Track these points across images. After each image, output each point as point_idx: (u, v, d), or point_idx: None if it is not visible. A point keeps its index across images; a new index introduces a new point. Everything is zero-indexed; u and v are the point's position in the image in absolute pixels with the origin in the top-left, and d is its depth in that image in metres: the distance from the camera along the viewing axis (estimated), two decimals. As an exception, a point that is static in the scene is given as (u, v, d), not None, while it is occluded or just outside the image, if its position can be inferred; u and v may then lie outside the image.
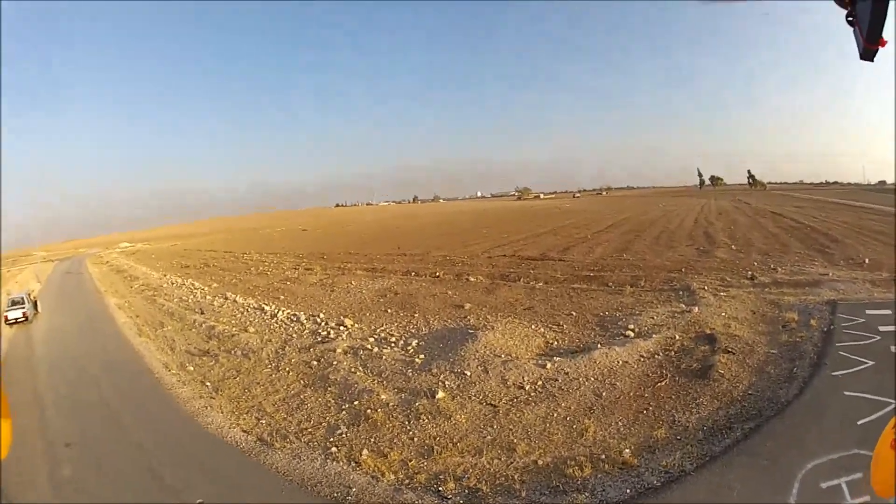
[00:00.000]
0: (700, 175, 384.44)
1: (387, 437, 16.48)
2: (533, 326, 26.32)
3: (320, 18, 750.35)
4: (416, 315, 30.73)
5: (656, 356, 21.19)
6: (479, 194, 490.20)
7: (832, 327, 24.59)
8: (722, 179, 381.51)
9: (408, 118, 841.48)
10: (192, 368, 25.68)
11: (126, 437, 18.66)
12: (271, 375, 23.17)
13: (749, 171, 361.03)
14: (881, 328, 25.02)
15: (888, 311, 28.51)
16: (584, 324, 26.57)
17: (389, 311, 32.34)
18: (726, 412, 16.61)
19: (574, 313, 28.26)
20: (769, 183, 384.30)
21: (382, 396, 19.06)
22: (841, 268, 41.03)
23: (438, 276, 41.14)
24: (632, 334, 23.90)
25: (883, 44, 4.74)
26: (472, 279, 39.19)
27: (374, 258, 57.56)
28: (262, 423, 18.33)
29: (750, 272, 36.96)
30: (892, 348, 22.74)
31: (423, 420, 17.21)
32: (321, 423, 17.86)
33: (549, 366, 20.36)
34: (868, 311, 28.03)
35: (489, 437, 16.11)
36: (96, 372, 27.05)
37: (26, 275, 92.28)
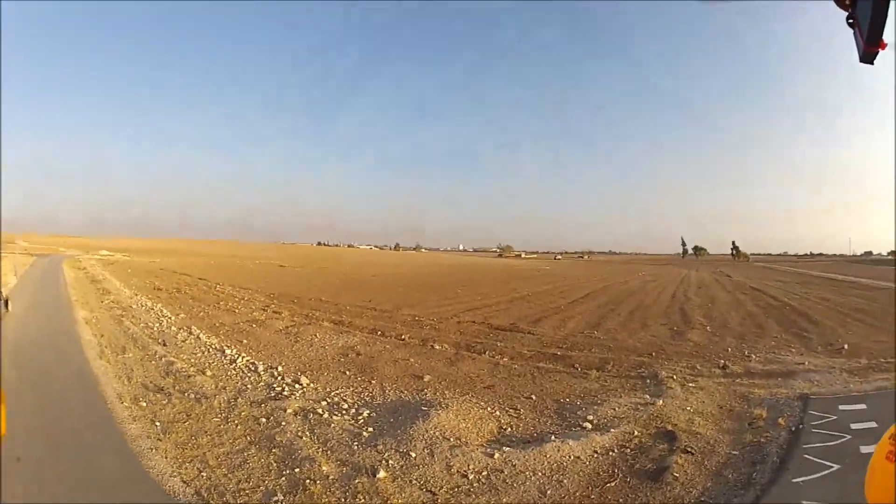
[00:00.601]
0: (684, 244, 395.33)
1: (322, 514, 16.41)
2: (489, 408, 25.71)
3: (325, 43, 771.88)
4: (374, 381, 30.09)
5: (611, 453, 20.73)
6: (461, 247, 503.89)
7: (801, 426, 24.42)
8: (705, 250, 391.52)
9: (395, 166, 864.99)
10: (144, 404, 25.00)
11: (63, 469, 17.93)
12: (220, 426, 22.54)
13: (733, 243, 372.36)
14: (853, 426, 24.85)
15: (862, 406, 28.44)
16: (543, 410, 26.11)
17: (348, 373, 31.69)
18: (674, 521, 16.42)
19: (534, 397, 27.84)
20: (752, 254, 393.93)
21: (324, 468, 18.51)
22: (818, 355, 41.01)
23: (404, 340, 40.63)
24: (589, 426, 23.45)
25: (883, 46, 4.84)
26: (438, 347, 38.68)
27: (344, 309, 57.00)
28: (202, 476, 17.81)
29: (722, 361, 36.76)
30: (862, 449, 22.46)
31: (360, 499, 16.73)
32: (259, 487, 17.31)
33: (496, 455, 19.88)
34: (841, 407, 27.92)
35: (421, 527, 15.89)
36: (51, 393, 26.32)
37: (5, 265, 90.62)
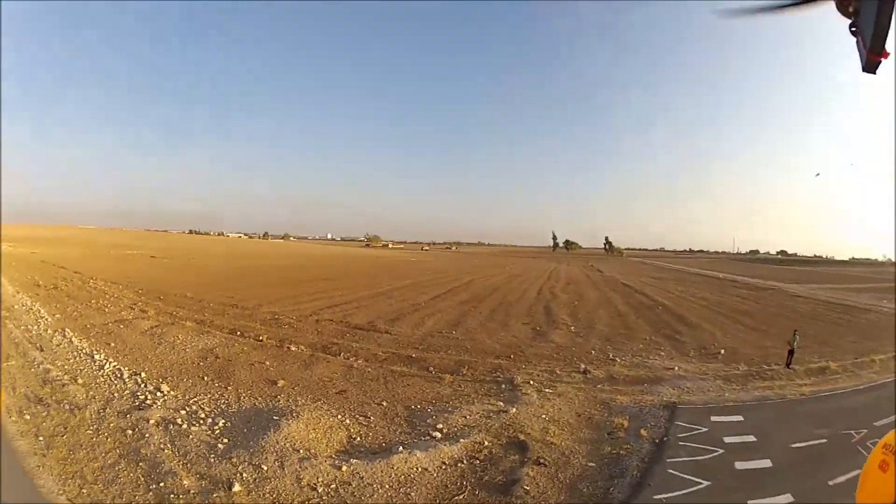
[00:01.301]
0: (555, 238, 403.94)
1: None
2: (339, 416, 25.62)
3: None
4: (230, 388, 29.60)
5: (459, 464, 20.77)
6: (329, 236, 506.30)
7: (666, 438, 24.72)
8: (577, 244, 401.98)
9: (267, 154, 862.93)
10: (28, 417, 24.08)
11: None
12: (93, 438, 21.99)
13: (606, 238, 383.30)
14: (727, 439, 25.32)
15: (738, 418, 29.05)
16: (393, 417, 26.07)
17: (206, 378, 31.12)
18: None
19: (385, 403, 27.81)
20: (627, 249, 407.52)
21: (185, 482, 18.52)
22: (691, 359, 42.20)
23: (262, 341, 40.09)
24: (439, 435, 23.51)
25: (886, 55, 5.07)
26: (294, 348, 38.30)
27: (207, 307, 55.78)
28: (83, 493, 17.62)
29: (583, 365, 37.08)
30: (737, 465, 22.87)
31: None
32: (132, 502, 17.24)
33: (344, 468, 19.82)
34: (714, 418, 28.43)
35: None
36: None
37: None
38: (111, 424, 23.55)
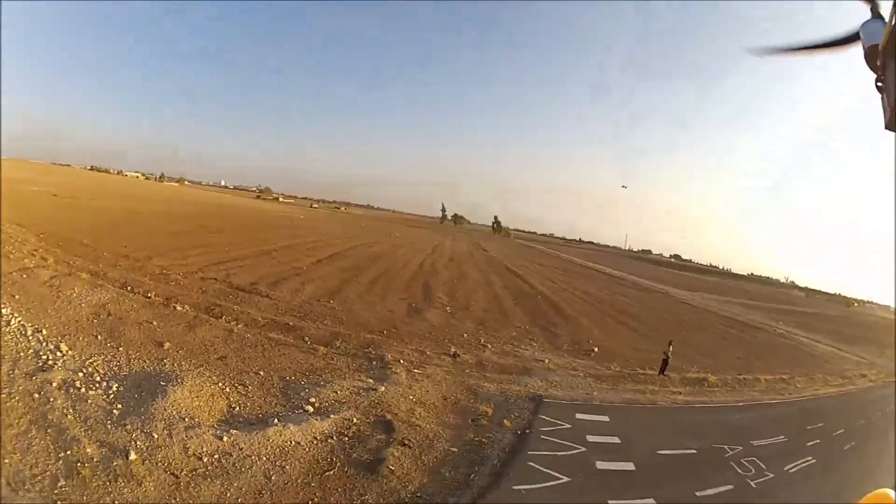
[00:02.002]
0: (444, 210, 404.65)
1: (94, 499, 17.16)
2: (220, 384, 26.63)
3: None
4: (121, 349, 30.08)
5: (330, 440, 22.27)
6: (222, 183, 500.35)
7: (528, 431, 25.98)
8: (465, 219, 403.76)
9: (168, 96, 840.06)
10: None
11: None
12: (7, 403, 22.27)
13: (496, 217, 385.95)
14: (591, 438, 26.67)
15: (604, 418, 30.54)
16: (269, 388, 27.21)
17: (99, 337, 31.36)
18: (389, 515, 17.97)
19: (262, 372, 28.86)
20: (515, 230, 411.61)
21: (88, 450, 19.38)
22: (562, 353, 43.74)
23: (150, 298, 40.33)
24: (311, 409, 24.88)
25: None
26: (180, 308, 38.82)
27: (101, 257, 54.68)
28: (6, 464, 18.14)
29: (454, 348, 38.46)
30: (599, 465, 24.08)
31: (121, 483, 17.94)
32: (46, 472, 18.01)
33: (225, 438, 21.22)
34: (579, 416, 29.81)
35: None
36: None
37: None
38: (20, 387, 24.01)
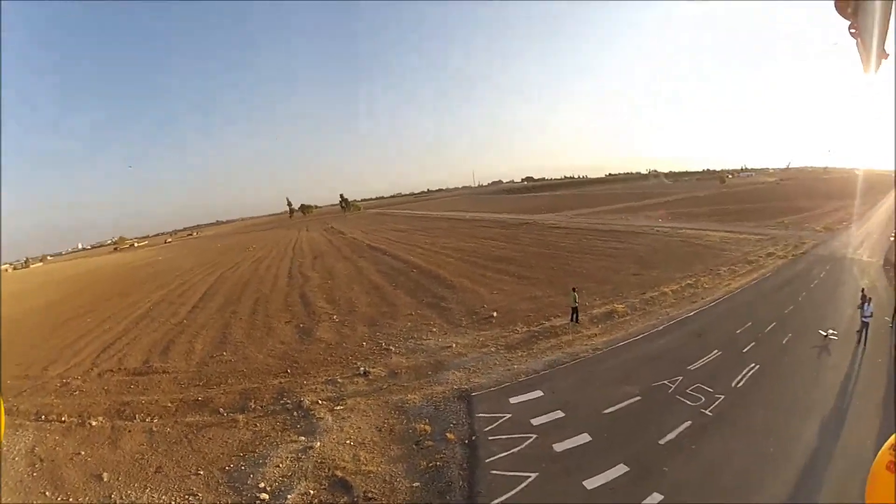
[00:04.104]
0: (290, 204, 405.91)
1: None
2: (172, 503, 25.08)
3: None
4: (71, 500, 27.81)
5: None
6: (80, 246, 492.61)
7: (474, 437, 25.80)
8: (312, 207, 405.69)
9: None
10: None
11: None
12: None
13: (341, 195, 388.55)
14: (535, 421, 26.76)
15: (538, 393, 30.49)
16: (216, 487, 25.78)
17: (46, 493, 28.74)
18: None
19: (201, 471, 27.48)
20: (364, 200, 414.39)
21: None
22: (464, 330, 43.82)
23: (64, 422, 37.73)
24: (266, 496, 23.73)
25: (885, 56, 5.74)
26: (95, 423, 36.48)
27: (5, 383, 49.83)
28: None
29: (361, 365, 37.77)
30: (556, 447, 24.14)
31: None
32: None
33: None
34: (513, 400, 29.77)
35: None
36: None
37: None
38: None
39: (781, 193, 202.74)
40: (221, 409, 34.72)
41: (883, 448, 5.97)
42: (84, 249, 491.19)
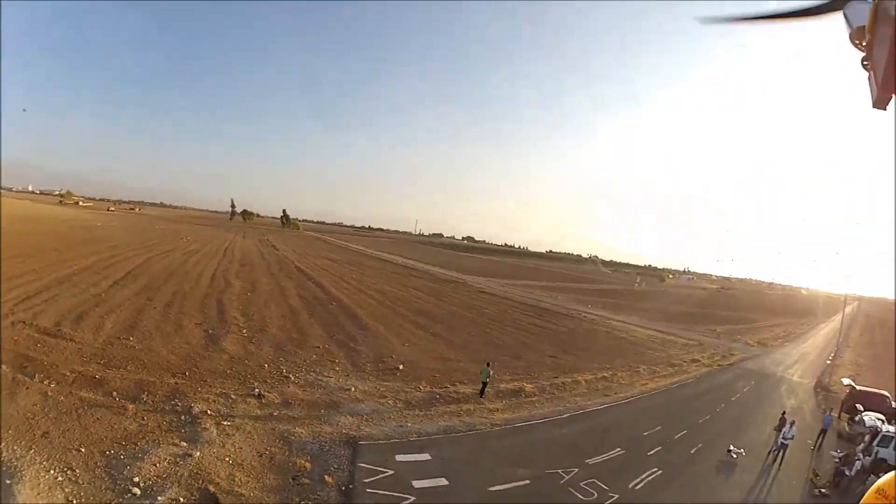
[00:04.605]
0: (233, 206, 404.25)
1: None
2: (52, 471, 24.74)
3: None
4: None
5: None
6: (30, 188, 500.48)
7: (352, 485, 25.53)
8: (254, 214, 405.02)
9: None
10: None
11: None
12: None
13: (284, 211, 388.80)
14: (417, 484, 26.42)
15: (425, 456, 30.27)
16: (94, 468, 25.36)
17: None
18: None
19: (83, 449, 26.95)
20: (304, 221, 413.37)
21: None
22: (367, 375, 43.72)
23: None
24: (138, 491, 23.52)
25: None
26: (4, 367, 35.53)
27: None
28: None
29: (258, 386, 37.41)
30: None
31: None
32: None
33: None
34: (399, 457, 29.36)
35: None
36: None
37: None
38: None
39: (721, 302, 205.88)
40: (115, 394, 34.15)
41: (869, 491, 6.03)
42: (32, 192, 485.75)
